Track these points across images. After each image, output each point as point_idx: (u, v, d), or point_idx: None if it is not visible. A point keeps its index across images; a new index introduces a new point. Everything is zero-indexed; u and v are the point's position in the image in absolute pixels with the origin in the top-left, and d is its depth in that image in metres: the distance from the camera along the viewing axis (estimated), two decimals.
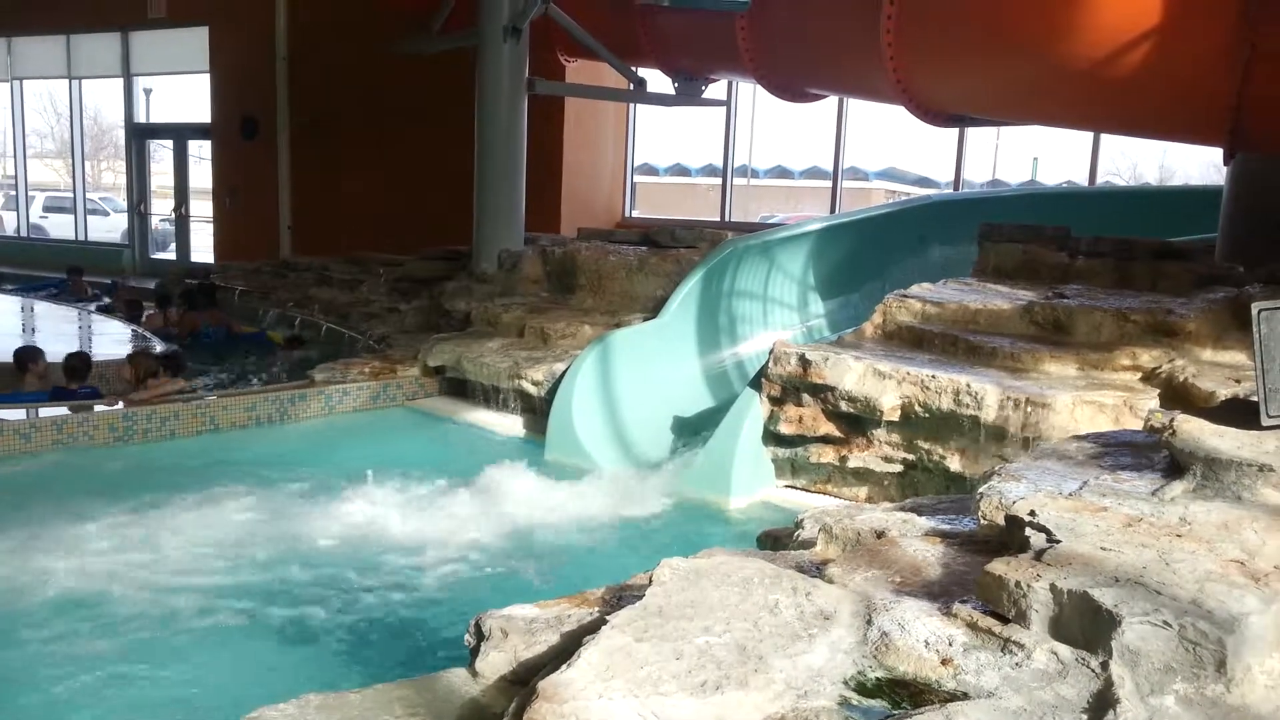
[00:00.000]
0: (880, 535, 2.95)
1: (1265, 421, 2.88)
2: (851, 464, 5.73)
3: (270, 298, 12.38)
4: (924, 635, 2.16)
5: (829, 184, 13.12)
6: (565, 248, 9.33)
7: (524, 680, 2.28)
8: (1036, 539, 2.38)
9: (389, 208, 14.04)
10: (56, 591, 4.45)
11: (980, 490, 2.95)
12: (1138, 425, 4.25)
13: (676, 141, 17.19)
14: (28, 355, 7.79)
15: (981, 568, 2.27)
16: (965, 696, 1.98)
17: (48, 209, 22.08)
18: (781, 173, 18.84)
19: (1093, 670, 1.99)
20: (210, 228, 17.20)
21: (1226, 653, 1.93)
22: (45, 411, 6.64)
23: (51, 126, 23.42)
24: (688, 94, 11.49)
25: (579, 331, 7.98)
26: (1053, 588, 2.11)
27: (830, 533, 3.08)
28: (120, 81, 17.76)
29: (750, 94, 13.20)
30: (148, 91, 18.15)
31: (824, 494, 5.89)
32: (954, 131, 11.81)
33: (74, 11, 17.25)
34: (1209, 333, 5.55)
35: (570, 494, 5.97)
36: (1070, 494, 2.69)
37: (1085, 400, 4.86)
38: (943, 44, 7.95)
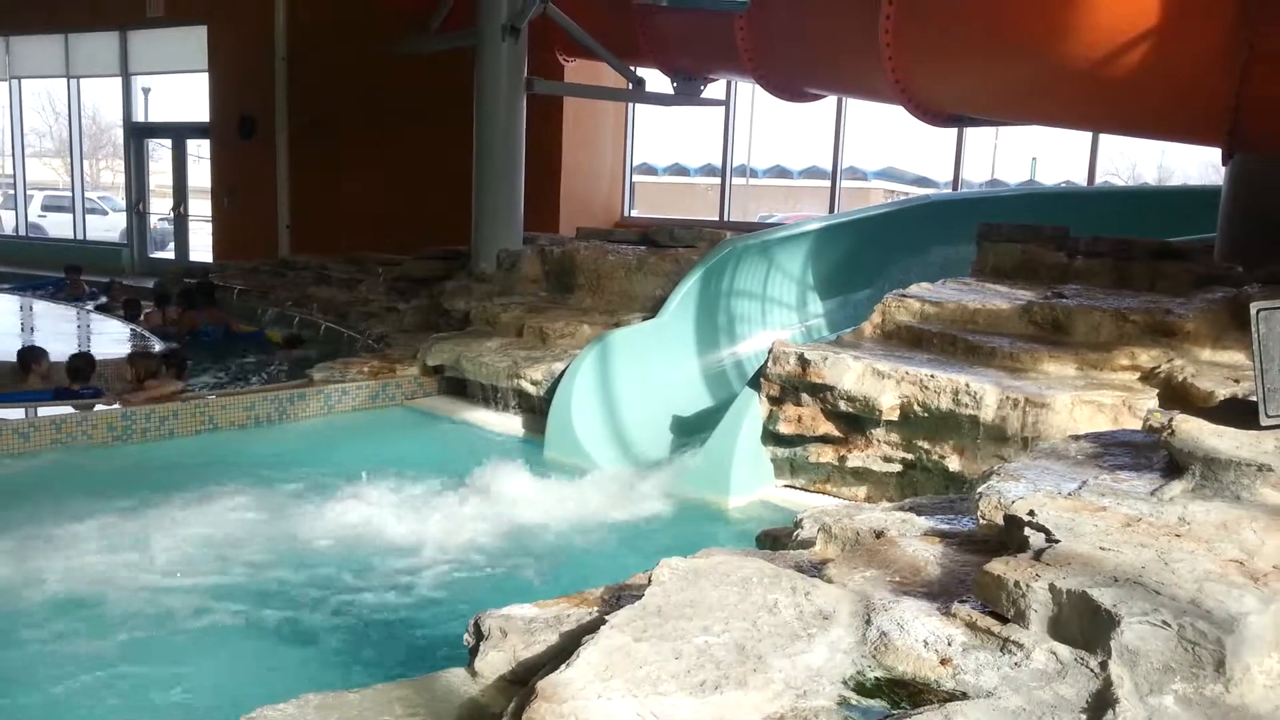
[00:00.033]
0: (879, 535, 2.95)
1: (1264, 421, 2.88)
2: (850, 464, 5.73)
3: (269, 297, 12.38)
4: (923, 635, 2.17)
5: (828, 184, 13.12)
6: (564, 247, 9.33)
7: (523, 680, 2.28)
8: (1035, 539, 2.38)
9: (388, 207, 14.03)
10: (54, 591, 4.45)
11: (979, 490, 2.96)
12: (1136, 425, 4.25)
13: (675, 141, 17.17)
14: (31, 356, 7.81)
15: (980, 567, 2.27)
16: (964, 696, 1.98)
17: (46, 208, 22.06)
18: (780, 172, 18.82)
19: (1092, 670, 1.99)
20: (209, 227, 17.19)
21: (1225, 652, 1.93)
22: (44, 411, 6.64)
23: (50, 125, 23.41)
24: (686, 94, 11.49)
25: (578, 331, 7.98)
26: (1052, 587, 2.11)
27: (829, 532, 3.08)
28: (119, 80, 17.75)
29: (749, 94, 13.19)
30: (146, 90, 18.14)
31: (823, 494, 5.89)
32: (953, 131, 11.80)
33: (72, 10, 17.24)
34: (1208, 333, 5.55)
35: (569, 493, 5.97)
36: (1069, 494, 2.69)
37: (1084, 400, 4.86)
38: (941, 44, 7.95)
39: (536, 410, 7.48)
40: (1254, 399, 2.93)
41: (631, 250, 9.11)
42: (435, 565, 4.90)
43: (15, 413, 6.56)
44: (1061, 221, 7.65)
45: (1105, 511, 2.53)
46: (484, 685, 2.35)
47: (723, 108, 13.06)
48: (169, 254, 18.18)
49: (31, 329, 10.59)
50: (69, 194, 19.81)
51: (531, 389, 7.48)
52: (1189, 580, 2.13)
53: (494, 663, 2.38)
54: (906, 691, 2.05)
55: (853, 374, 5.55)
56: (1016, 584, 2.15)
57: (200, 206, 17.45)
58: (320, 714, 2.24)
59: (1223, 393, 4.40)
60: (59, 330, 10.42)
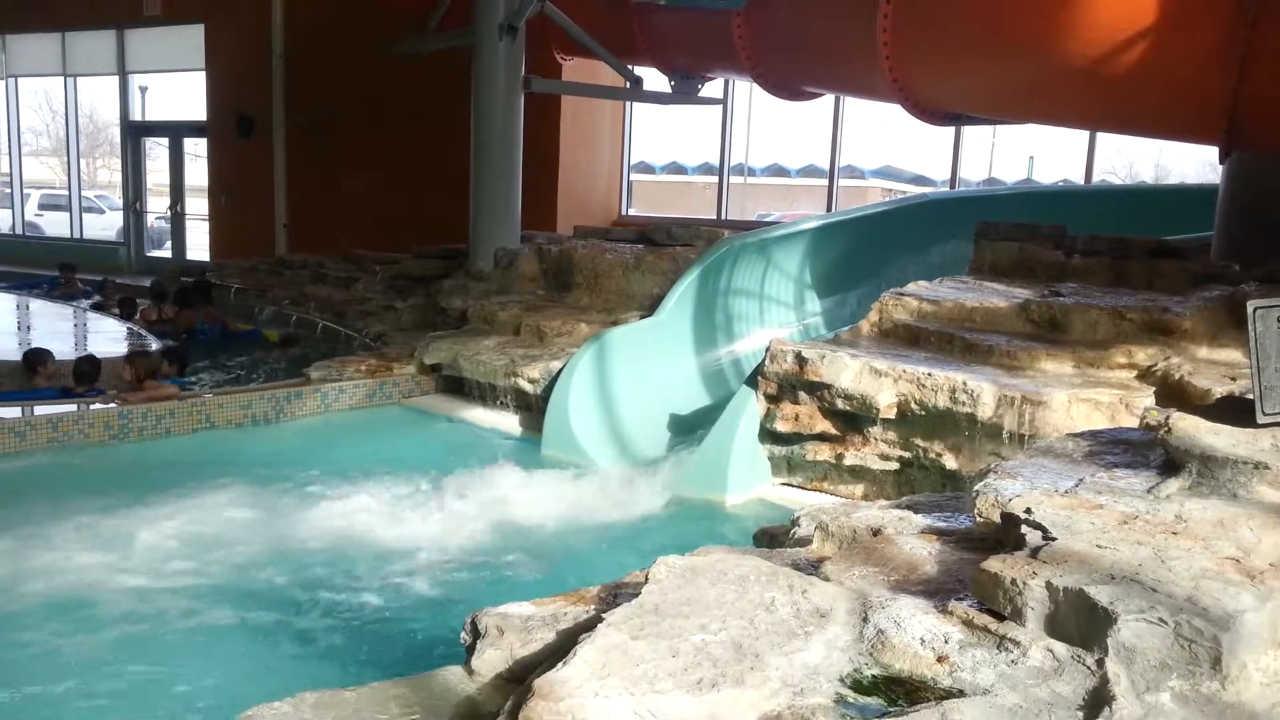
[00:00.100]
0: (876, 533, 2.96)
1: (1260, 419, 2.89)
2: (848, 462, 5.73)
3: (266, 295, 12.38)
4: (920, 633, 2.17)
5: (825, 182, 13.12)
6: (562, 246, 9.33)
7: (520, 678, 2.28)
8: (1032, 536, 2.38)
9: (385, 206, 14.02)
10: (51, 590, 4.44)
11: (976, 488, 2.96)
12: (1133, 423, 4.26)
13: (673, 140, 17.17)
14: (37, 358, 7.85)
15: (977, 565, 2.27)
16: (961, 694, 1.98)
17: (43, 207, 22.03)
18: (778, 171, 18.83)
19: (1088, 667, 1.99)
20: (206, 226, 17.17)
21: (1222, 650, 1.93)
22: (41, 410, 6.63)
23: (47, 124, 23.35)
24: (684, 92, 11.48)
25: (575, 329, 7.98)
26: (1048, 585, 2.11)
27: (826, 530, 3.08)
28: (116, 79, 17.72)
29: (747, 92, 13.19)
30: (143, 89, 18.11)
31: (820, 492, 5.89)
32: (950, 130, 11.81)
33: (69, 9, 17.21)
34: (1205, 331, 5.56)
35: (566, 492, 5.97)
36: (1066, 491, 2.69)
37: (1081, 398, 4.86)
38: (939, 42, 7.95)
39: (534, 409, 7.48)
40: (1250, 397, 2.93)
41: (629, 249, 9.11)
42: (432, 563, 4.90)
43: (12, 411, 6.55)
44: (1059, 220, 7.66)
45: (1102, 509, 2.54)
46: (481, 683, 2.35)
47: (720, 106, 13.06)
48: (166, 253, 18.18)
49: (28, 328, 10.58)
50: (66, 193, 19.77)
51: (529, 387, 7.48)
52: (1185, 578, 2.13)
53: (491, 661, 2.38)
54: (903, 689, 2.05)
55: (850, 372, 5.55)
56: (1013, 582, 2.15)
57: (197, 205, 17.44)
58: (317, 712, 2.24)
59: (1219, 391, 4.40)
60: (56, 329, 10.40)
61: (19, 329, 10.48)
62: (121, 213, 18.76)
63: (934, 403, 5.22)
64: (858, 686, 2.05)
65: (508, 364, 7.62)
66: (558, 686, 1.92)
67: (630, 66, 11.19)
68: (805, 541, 3.12)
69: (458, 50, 10.38)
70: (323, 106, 14.73)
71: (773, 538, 3.51)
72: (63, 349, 8.31)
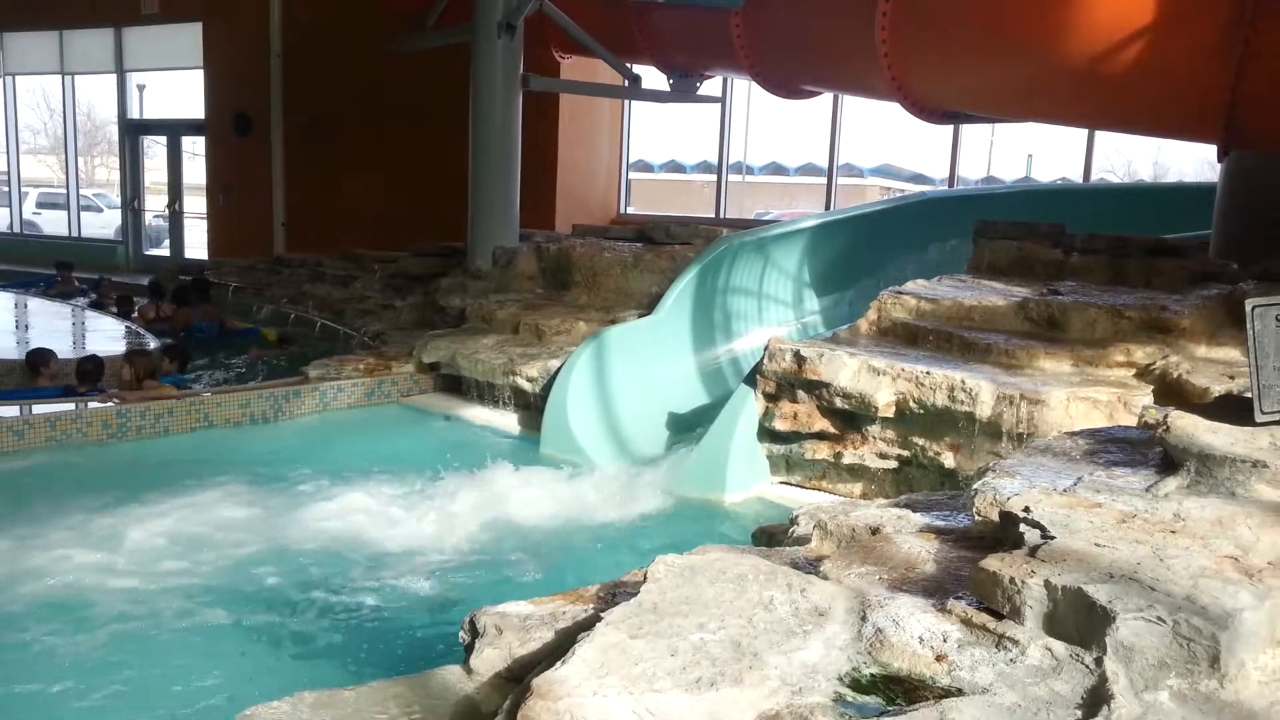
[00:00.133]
0: (875, 531, 2.96)
1: (1259, 418, 2.89)
2: (846, 460, 5.73)
3: (264, 294, 12.38)
4: (919, 631, 2.17)
5: (824, 180, 13.12)
6: (560, 244, 9.33)
7: (519, 677, 2.28)
8: (1031, 535, 2.38)
9: (384, 205, 14.02)
10: (49, 589, 4.44)
11: (975, 486, 2.96)
12: (1132, 421, 4.26)
13: (671, 138, 17.17)
14: (39, 358, 7.86)
15: (976, 564, 2.27)
16: (960, 693, 1.98)
17: (41, 205, 22.01)
18: (776, 169, 18.83)
19: (1087, 666, 1.99)
20: (204, 224, 17.16)
21: (1220, 648, 1.93)
22: (39, 409, 6.63)
23: (45, 122, 23.33)
24: (682, 90, 11.47)
25: (574, 328, 7.98)
26: (1047, 584, 2.11)
27: (825, 529, 3.08)
28: (114, 77, 17.70)
29: (745, 91, 13.19)
30: (141, 87, 18.09)
31: (819, 490, 5.89)
32: (949, 128, 11.81)
33: (67, 7, 17.19)
34: (1203, 329, 5.56)
35: (565, 491, 5.97)
36: (1064, 490, 2.69)
37: (1079, 396, 4.87)
38: (937, 41, 7.95)
39: (532, 407, 7.48)
40: (1249, 395, 2.93)
41: (627, 247, 9.11)
42: (430, 562, 4.90)
43: (10, 410, 6.55)
44: (1057, 218, 7.66)
45: (1100, 508, 2.54)
46: (479, 682, 2.35)
47: (719, 105, 13.05)
48: (164, 251, 18.16)
49: (26, 326, 10.57)
50: (64, 191, 19.75)
51: (527, 386, 7.48)
52: (1184, 576, 2.13)
53: (489, 660, 2.38)
54: (902, 688, 2.05)
55: (848, 371, 5.55)
56: (1012, 580, 2.15)
57: (195, 204, 17.42)
58: (315, 711, 2.24)
59: (1218, 389, 4.41)
60: (54, 328, 10.39)
61: (17, 328, 10.47)
62: (119, 211, 18.74)
63: (932, 401, 5.22)
64: (856, 685, 2.05)
65: (506, 362, 7.61)
66: (556, 685, 1.92)
67: (629, 65, 11.18)
68: (804, 540, 3.12)
69: (456, 49, 10.37)
70: (321, 105, 14.72)
71: (771, 536, 3.51)
72: (61, 348, 8.31)
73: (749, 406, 6.02)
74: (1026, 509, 2.49)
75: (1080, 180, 12.21)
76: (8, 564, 4.65)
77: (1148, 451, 3.07)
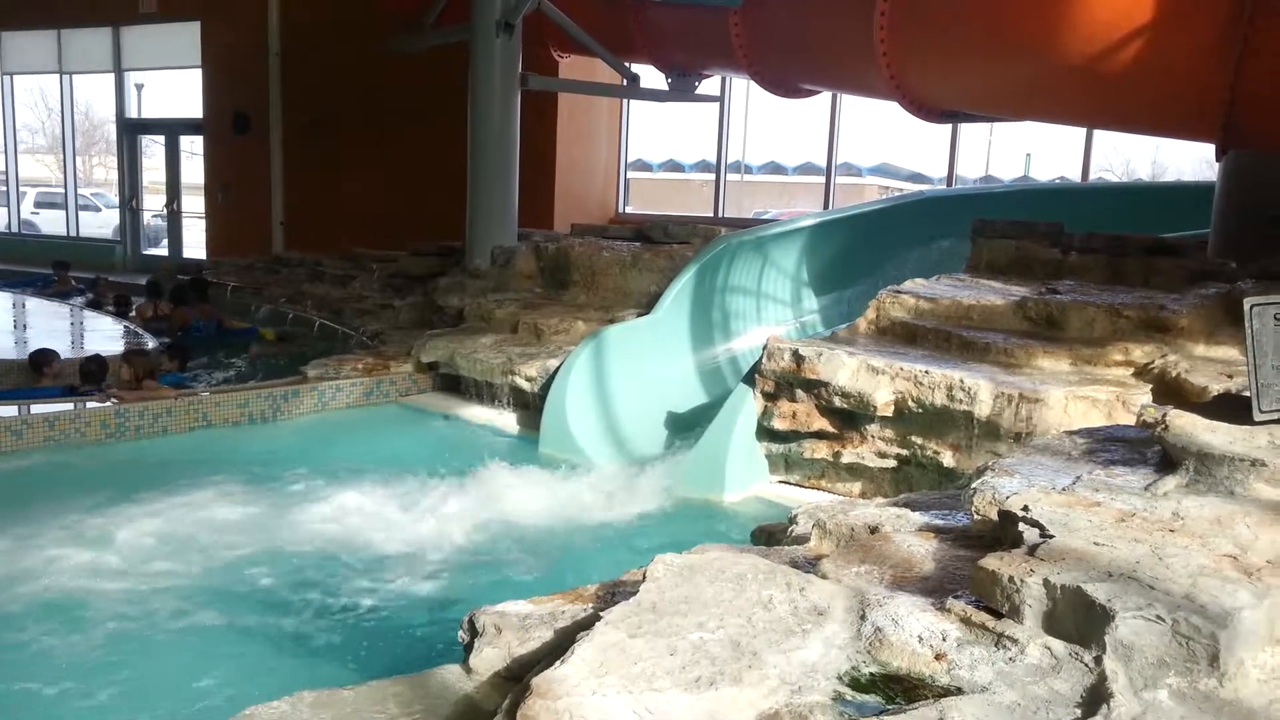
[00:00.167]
0: (874, 531, 2.96)
1: (1257, 416, 2.89)
2: (845, 459, 5.73)
3: (263, 293, 12.38)
4: (918, 630, 2.17)
5: (822, 179, 13.13)
6: (559, 244, 9.32)
7: (518, 676, 2.28)
8: (1030, 534, 2.38)
9: (383, 204, 14.01)
10: (47, 588, 4.43)
11: (974, 485, 2.96)
12: (1130, 420, 4.26)
13: (670, 137, 17.21)
14: (42, 358, 7.88)
15: (975, 563, 2.27)
16: (959, 691, 1.98)
17: (39, 205, 21.99)
18: (775, 168, 18.85)
19: (1086, 665, 1.99)
20: (202, 223, 17.15)
21: (1219, 647, 1.93)
22: (37, 408, 6.62)
23: (43, 122, 23.32)
24: (681, 90, 11.47)
25: (572, 327, 7.97)
26: (1046, 583, 2.11)
27: (824, 528, 3.08)
28: (111, 76, 17.68)
29: (744, 90, 13.20)
30: (139, 87, 18.07)
31: (818, 489, 5.89)
32: (947, 127, 11.81)
33: (65, 6, 17.17)
34: (1201, 328, 5.56)
35: (564, 490, 5.97)
36: (1063, 489, 2.69)
37: (1078, 395, 4.87)
38: (936, 40, 7.95)
39: (531, 406, 7.47)
40: (1247, 394, 2.94)
41: (626, 246, 9.11)
42: (429, 562, 4.90)
43: (9, 410, 6.55)
44: (1056, 217, 7.66)
45: (1099, 507, 2.54)
46: (479, 682, 2.35)
47: (717, 104, 13.05)
48: (162, 250, 18.15)
49: (24, 326, 10.56)
50: (62, 190, 19.74)
51: (526, 385, 7.47)
52: (1183, 575, 2.13)
53: (489, 659, 2.38)
54: (901, 687, 2.05)
55: (847, 370, 5.55)
56: (1011, 579, 2.15)
57: (194, 203, 17.40)
58: (315, 711, 2.24)
59: (1216, 388, 4.41)
60: (51, 327, 10.39)
61: (15, 327, 10.46)
62: (118, 211, 18.73)
63: (931, 400, 5.23)
64: (855, 684, 2.05)
65: (505, 362, 7.61)
66: (556, 685, 1.92)
67: (627, 64, 11.18)
68: (803, 539, 3.12)
69: (454, 48, 10.37)
70: (319, 104, 14.71)
71: (770, 535, 3.51)
72: (59, 347, 8.30)
73: (748, 406, 6.02)
74: (1025, 508, 2.49)
75: (1078, 179, 12.21)
76: (6, 564, 4.65)
77: (1146, 450, 3.07)
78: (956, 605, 2.22)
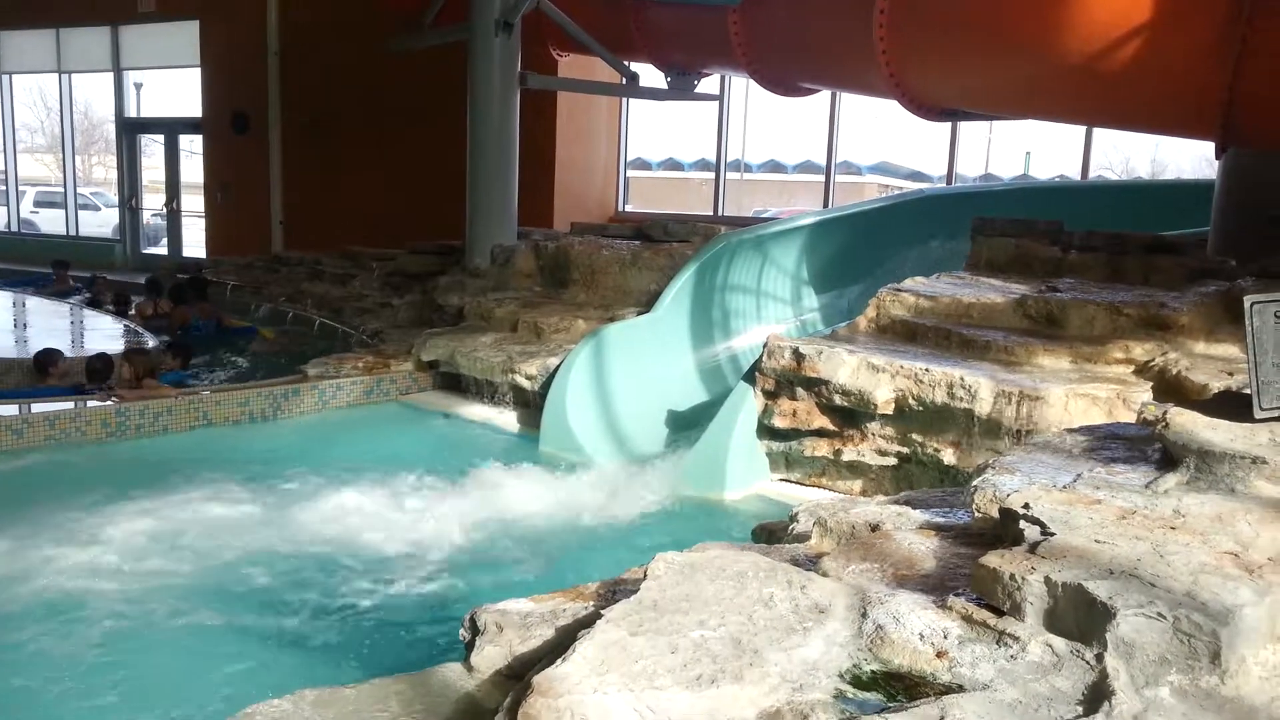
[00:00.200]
0: (875, 528, 2.96)
1: (1258, 414, 2.89)
2: (846, 457, 5.73)
3: (262, 292, 12.38)
4: (919, 628, 2.17)
5: (822, 178, 13.13)
6: (558, 242, 9.32)
7: (519, 675, 2.28)
8: (1031, 532, 2.38)
9: (382, 202, 14.01)
10: (47, 588, 4.43)
11: (974, 483, 2.96)
12: (1131, 418, 4.26)
13: (669, 136, 17.17)
14: (48, 358, 7.89)
15: (976, 560, 2.27)
16: (960, 689, 1.98)
17: (39, 204, 21.98)
18: (774, 167, 18.83)
19: (1087, 662, 1.99)
20: (202, 222, 17.15)
21: (1221, 644, 1.93)
22: (38, 407, 6.62)
23: (42, 121, 23.29)
24: (680, 88, 11.47)
25: (572, 326, 7.97)
26: (1047, 580, 2.11)
27: (825, 526, 3.08)
28: (111, 75, 17.68)
29: (743, 88, 13.19)
30: (138, 86, 18.07)
31: (818, 487, 5.89)
32: (947, 126, 11.81)
33: (64, 5, 17.17)
34: (1201, 326, 5.56)
35: (564, 488, 5.97)
36: (1064, 487, 2.69)
37: (1078, 393, 4.87)
38: (936, 39, 7.94)
39: (531, 405, 7.47)
40: (1248, 392, 2.94)
41: (626, 245, 9.11)
42: (430, 560, 4.90)
43: (10, 409, 6.55)
44: (1055, 216, 7.66)
45: (1100, 504, 2.54)
46: (480, 680, 2.35)
47: (717, 102, 13.05)
48: (162, 249, 18.15)
49: (25, 325, 10.56)
50: (61, 190, 19.73)
51: (526, 384, 7.47)
52: (1184, 572, 2.13)
53: (490, 657, 2.38)
54: (903, 684, 2.05)
55: (847, 368, 5.55)
56: (1012, 577, 2.15)
57: (193, 202, 17.40)
58: (316, 709, 2.24)
59: (1217, 386, 4.41)
60: (51, 326, 10.39)
61: (15, 326, 10.46)
62: (117, 210, 18.72)
63: (931, 398, 5.23)
64: (857, 682, 2.05)
65: (505, 360, 7.61)
66: (557, 683, 1.92)
67: (626, 62, 11.17)
68: (804, 537, 3.12)
69: (454, 47, 10.37)
70: (318, 104, 14.71)
71: (771, 533, 3.51)
72: (59, 346, 8.30)
73: (748, 404, 6.02)
74: (1026, 506, 2.49)
75: (1078, 177, 12.21)
76: (6, 563, 4.65)
77: (1147, 448, 3.07)
78: (958, 603, 2.22)
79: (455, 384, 8.23)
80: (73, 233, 19.14)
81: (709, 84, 11.96)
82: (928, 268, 7.40)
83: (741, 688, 1.95)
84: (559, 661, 2.01)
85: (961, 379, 5.13)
